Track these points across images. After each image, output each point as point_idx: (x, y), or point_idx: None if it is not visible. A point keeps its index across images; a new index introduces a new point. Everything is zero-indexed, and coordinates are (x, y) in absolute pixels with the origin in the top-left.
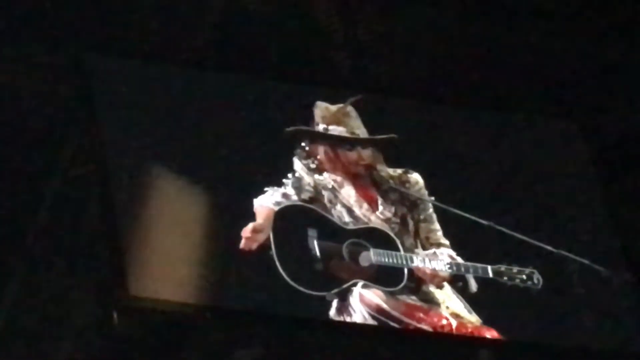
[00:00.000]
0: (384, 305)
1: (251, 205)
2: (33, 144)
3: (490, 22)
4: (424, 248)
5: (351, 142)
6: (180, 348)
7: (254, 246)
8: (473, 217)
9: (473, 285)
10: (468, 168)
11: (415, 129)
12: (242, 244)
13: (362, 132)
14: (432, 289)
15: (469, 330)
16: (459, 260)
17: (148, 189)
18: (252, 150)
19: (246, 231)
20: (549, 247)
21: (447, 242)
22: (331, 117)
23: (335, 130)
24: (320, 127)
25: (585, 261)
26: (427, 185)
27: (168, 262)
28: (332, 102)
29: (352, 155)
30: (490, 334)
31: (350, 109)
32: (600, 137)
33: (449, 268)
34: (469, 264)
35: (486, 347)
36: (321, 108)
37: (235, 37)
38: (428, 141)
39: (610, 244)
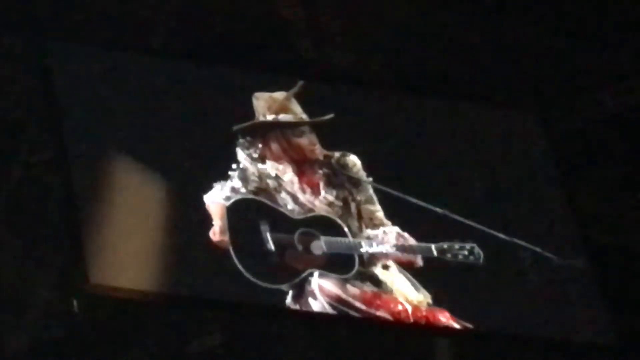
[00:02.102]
0: (344, 295)
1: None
2: None
3: (450, 12)
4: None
5: (301, 127)
6: (139, 335)
7: (227, 245)
8: (422, 203)
9: (419, 261)
10: (420, 156)
11: (366, 115)
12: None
13: (305, 117)
14: (377, 270)
15: (424, 314)
16: (407, 235)
17: (108, 177)
18: (210, 139)
19: (215, 235)
20: (497, 234)
21: (389, 223)
22: (279, 106)
23: (285, 118)
24: (270, 118)
25: (537, 249)
26: (377, 172)
27: (127, 250)
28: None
29: (304, 141)
30: (443, 315)
31: (290, 95)
32: (559, 127)
33: (396, 250)
34: (414, 244)
35: (442, 335)
36: (264, 98)
37: (196, 25)
38: (379, 129)
39: (567, 233)
